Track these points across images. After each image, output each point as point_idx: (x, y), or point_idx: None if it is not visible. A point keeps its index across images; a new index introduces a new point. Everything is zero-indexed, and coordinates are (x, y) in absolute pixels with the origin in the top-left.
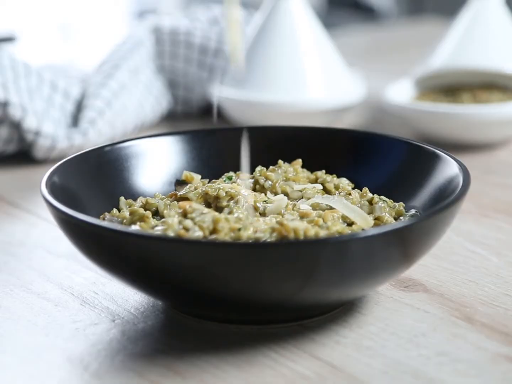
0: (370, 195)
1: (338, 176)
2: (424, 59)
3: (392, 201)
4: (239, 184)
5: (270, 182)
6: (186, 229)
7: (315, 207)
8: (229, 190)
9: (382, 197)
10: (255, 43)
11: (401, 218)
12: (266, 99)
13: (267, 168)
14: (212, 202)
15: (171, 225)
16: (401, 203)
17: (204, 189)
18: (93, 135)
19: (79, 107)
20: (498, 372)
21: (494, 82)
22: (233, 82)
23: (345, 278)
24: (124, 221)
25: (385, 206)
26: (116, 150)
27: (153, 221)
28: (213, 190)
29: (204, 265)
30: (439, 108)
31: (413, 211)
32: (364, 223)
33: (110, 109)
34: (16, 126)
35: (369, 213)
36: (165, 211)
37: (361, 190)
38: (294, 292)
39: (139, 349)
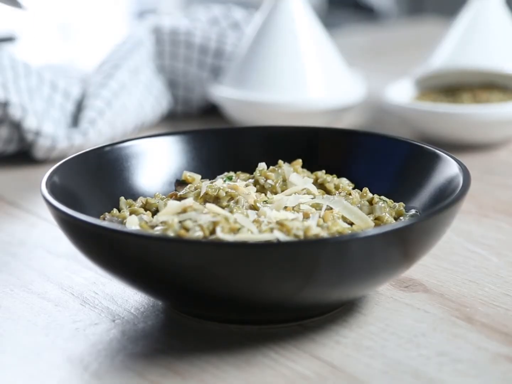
0: (370, 195)
1: (338, 176)
2: (424, 59)
3: (392, 201)
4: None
5: (270, 182)
6: (186, 229)
7: (315, 207)
8: (229, 190)
9: (382, 197)
10: (255, 43)
11: (401, 218)
12: (266, 99)
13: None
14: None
15: (171, 225)
16: (401, 203)
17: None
18: (93, 135)
19: (79, 107)
20: (498, 372)
21: (494, 82)
22: (233, 82)
23: (345, 278)
24: (124, 220)
25: (385, 206)
26: (116, 150)
27: (145, 216)
28: (213, 190)
29: (204, 265)
30: (439, 108)
31: (413, 211)
32: (364, 225)
33: (110, 109)
34: (16, 126)
35: (369, 213)
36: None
37: (361, 190)
38: (294, 292)
39: (139, 349)
